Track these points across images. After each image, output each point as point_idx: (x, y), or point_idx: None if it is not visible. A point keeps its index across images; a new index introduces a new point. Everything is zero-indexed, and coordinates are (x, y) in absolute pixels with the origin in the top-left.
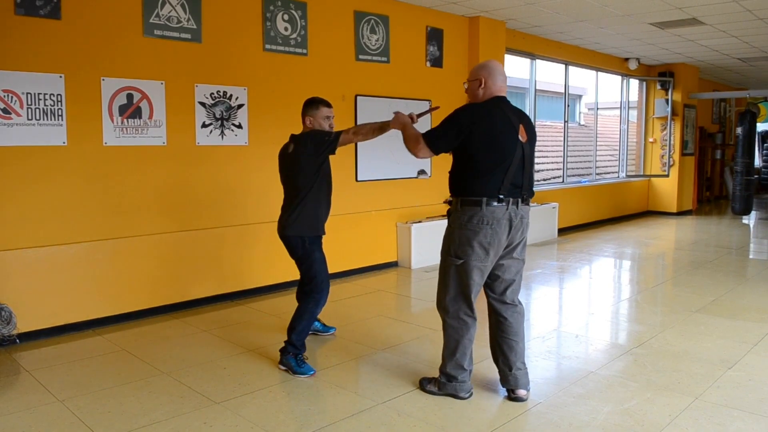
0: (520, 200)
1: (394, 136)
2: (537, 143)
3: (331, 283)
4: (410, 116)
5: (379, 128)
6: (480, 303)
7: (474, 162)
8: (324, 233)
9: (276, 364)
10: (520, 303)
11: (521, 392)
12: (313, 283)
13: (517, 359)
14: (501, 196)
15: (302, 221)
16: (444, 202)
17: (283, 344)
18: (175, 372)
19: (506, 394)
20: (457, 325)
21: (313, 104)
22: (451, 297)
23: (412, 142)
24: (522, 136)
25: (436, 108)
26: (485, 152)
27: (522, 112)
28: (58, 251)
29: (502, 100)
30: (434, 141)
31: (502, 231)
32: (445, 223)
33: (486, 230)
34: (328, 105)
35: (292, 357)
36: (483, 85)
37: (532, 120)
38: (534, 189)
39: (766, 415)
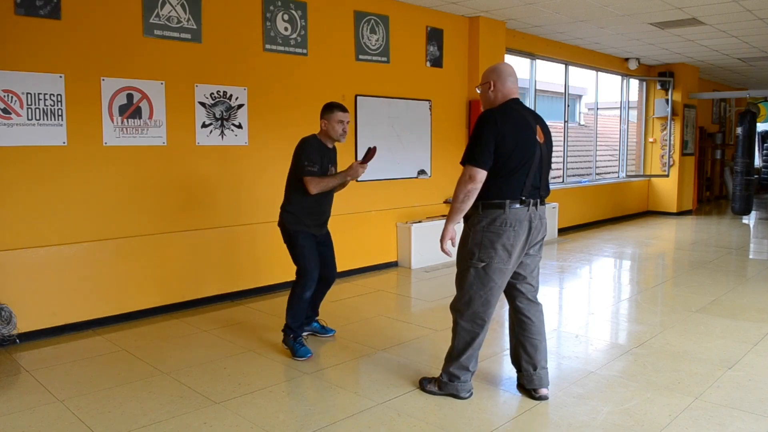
0: (538, 201)
1: (395, 135)
2: None
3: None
4: (359, 164)
5: (339, 184)
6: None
7: (497, 166)
8: (315, 231)
9: (281, 363)
10: (540, 302)
11: (544, 391)
12: (298, 269)
13: (542, 358)
14: (523, 198)
15: (288, 214)
16: (445, 202)
17: (283, 326)
18: (175, 372)
19: (522, 393)
20: (470, 328)
21: (328, 108)
22: (467, 299)
23: (462, 187)
24: (539, 137)
25: (374, 149)
26: (508, 157)
27: (536, 114)
28: (58, 251)
29: (516, 102)
30: (483, 160)
31: (523, 232)
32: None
33: (509, 232)
34: (344, 110)
35: (292, 339)
36: (493, 88)
37: None
38: (550, 188)
39: (766, 415)
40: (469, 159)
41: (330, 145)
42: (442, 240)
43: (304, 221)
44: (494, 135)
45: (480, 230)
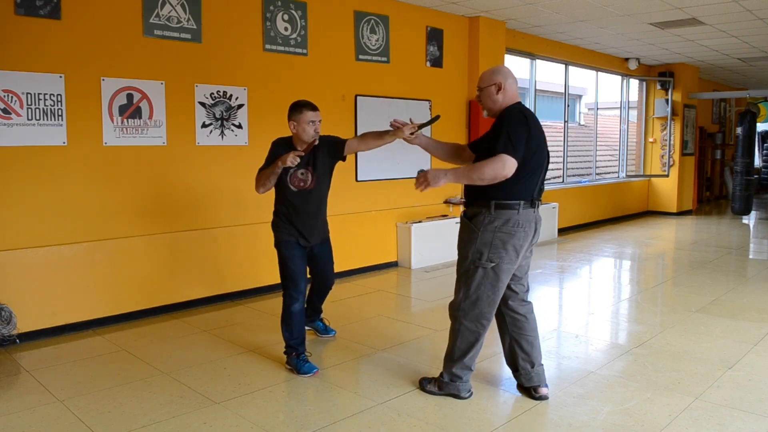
0: (539, 203)
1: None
2: None
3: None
4: (411, 123)
5: (271, 172)
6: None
7: (519, 166)
8: (302, 242)
9: (281, 363)
10: (530, 300)
11: (544, 390)
12: (282, 279)
13: (538, 355)
14: (532, 199)
15: (273, 221)
16: (445, 202)
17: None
18: (175, 372)
19: (522, 393)
20: (474, 328)
21: (297, 108)
22: (473, 300)
23: (490, 169)
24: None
25: (437, 118)
26: (531, 156)
27: None
28: (58, 251)
29: (523, 105)
30: (519, 152)
31: (530, 233)
32: (445, 223)
33: (520, 233)
34: (314, 108)
35: (294, 357)
36: (502, 90)
37: None
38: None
39: (766, 415)
40: (508, 148)
41: (302, 148)
42: (428, 178)
43: (287, 230)
44: (526, 133)
45: (492, 230)
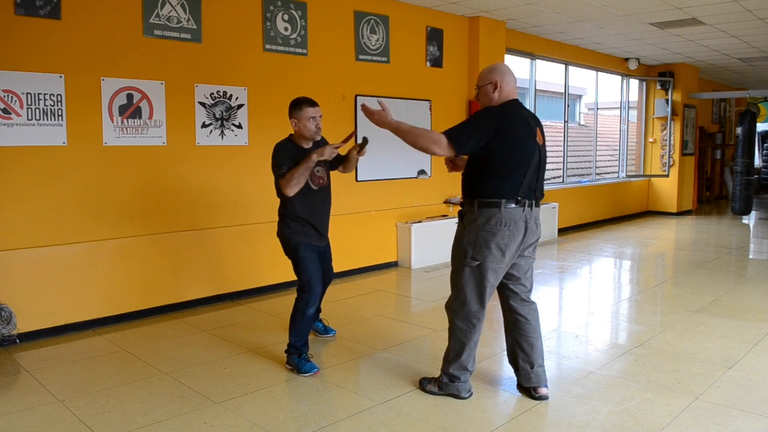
0: (534, 202)
1: (393, 134)
2: None
3: (331, 283)
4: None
5: (305, 168)
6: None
7: (495, 164)
8: (316, 242)
9: (281, 363)
10: (533, 301)
11: (544, 390)
12: (299, 282)
13: (539, 356)
14: (518, 198)
15: (283, 223)
16: (445, 202)
17: (286, 346)
18: (175, 372)
19: (522, 393)
20: (466, 327)
21: (296, 105)
22: (462, 299)
23: (425, 139)
24: (539, 139)
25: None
26: (508, 155)
27: (535, 116)
28: (58, 251)
29: (517, 103)
30: (463, 142)
31: (518, 233)
32: (445, 223)
33: (504, 232)
34: (313, 104)
35: (296, 356)
36: (498, 88)
37: None
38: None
39: (766, 415)
40: (454, 134)
41: (307, 146)
42: (376, 117)
43: (305, 231)
44: (487, 130)
45: (475, 228)
